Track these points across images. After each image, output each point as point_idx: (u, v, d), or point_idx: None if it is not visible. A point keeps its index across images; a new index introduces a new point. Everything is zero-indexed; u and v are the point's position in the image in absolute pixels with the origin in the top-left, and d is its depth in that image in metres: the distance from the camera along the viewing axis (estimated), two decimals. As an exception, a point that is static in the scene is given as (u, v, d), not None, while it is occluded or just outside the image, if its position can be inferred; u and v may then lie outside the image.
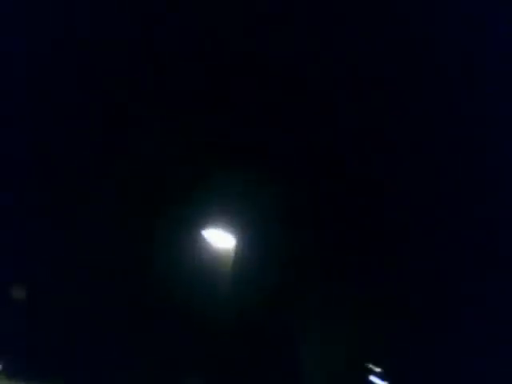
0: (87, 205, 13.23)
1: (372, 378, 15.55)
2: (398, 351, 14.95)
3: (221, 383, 12.71)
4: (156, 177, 13.82)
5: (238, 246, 13.07)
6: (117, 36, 12.51)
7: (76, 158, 13.37)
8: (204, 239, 12.85)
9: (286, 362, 13.88)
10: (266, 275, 13.88)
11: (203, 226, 12.79)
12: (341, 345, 14.44)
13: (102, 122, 13.52)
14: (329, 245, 14.61)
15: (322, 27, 12.09)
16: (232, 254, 13.09)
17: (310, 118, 13.63)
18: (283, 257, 13.88)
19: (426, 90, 12.62)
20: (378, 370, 15.46)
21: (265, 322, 13.80)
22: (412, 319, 15.06)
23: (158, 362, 12.84)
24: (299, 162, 13.98)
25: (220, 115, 13.57)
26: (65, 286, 12.77)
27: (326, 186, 14.13)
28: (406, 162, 13.68)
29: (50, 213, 13.08)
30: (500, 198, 13.29)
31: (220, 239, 12.96)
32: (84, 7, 12.16)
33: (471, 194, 13.78)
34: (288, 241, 13.85)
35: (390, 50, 12.10)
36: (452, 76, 12.32)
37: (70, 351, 12.21)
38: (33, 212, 12.77)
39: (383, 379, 15.60)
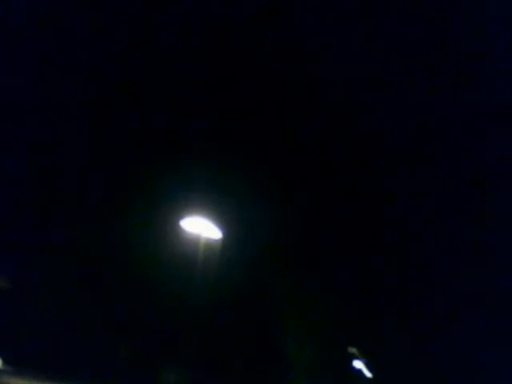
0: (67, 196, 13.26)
1: (355, 362, 15.98)
2: (380, 336, 15.33)
3: (210, 374, 12.99)
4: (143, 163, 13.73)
5: (224, 237, 13.10)
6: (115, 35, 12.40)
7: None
8: (189, 229, 12.78)
9: (273, 352, 14.18)
10: (251, 265, 14.03)
11: (188, 215, 12.70)
12: (324, 331, 14.76)
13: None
14: (312, 233, 14.81)
15: (321, 26, 12.02)
16: (218, 245, 13.16)
17: (296, 109, 13.60)
18: (267, 248, 14.01)
19: (425, 90, 12.67)
20: (360, 354, 15.88)
21: (247, 315, 14.03)
22: (395, 305, 15.39)
23: (139, 353, 13.06)
24: (286, 154, 13.99)
25: (212, 106, 13.49)
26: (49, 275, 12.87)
27: (312, 177, 14.19)
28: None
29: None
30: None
31: (206, 230, 12.92)
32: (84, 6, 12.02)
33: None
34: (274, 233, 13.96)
35: (389, 49, 12.09)
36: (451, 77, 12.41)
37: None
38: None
39: (366, 363, 16.04)
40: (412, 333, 15.39)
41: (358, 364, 16.47)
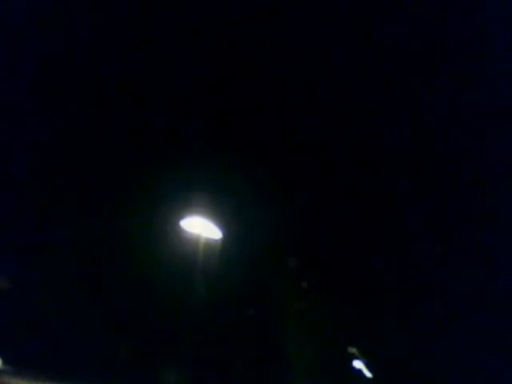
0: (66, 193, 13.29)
1: (355, 362, 15.98)
2: (380, 336, 15.32)
3: (210, 374, 12.99)
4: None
5: (224, 237, 13.10)
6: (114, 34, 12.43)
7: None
8: (189, 229, 12.79)
9: (273, 352, 14.18)
10: (251, 265, 14.04)
11: (188, 215, 12.71)
12: (324, 331, 14.76)
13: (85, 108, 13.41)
14: (312, 233, 14.82)
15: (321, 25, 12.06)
16: (218, 245, 13.16)
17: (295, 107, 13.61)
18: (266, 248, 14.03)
19: (425, 90, 12.69)
20: (360, 354, 15.88)
21: (247, 315, 14.04)
22: (395, 305, 15.38)
23: (139, 353, 13.07)
24: (286, 154, 14.00)
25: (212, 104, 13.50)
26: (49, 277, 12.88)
27: (312, 177, 14.20)
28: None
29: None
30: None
31: (206, 230, 12.91)
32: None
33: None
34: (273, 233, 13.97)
35: (389, 49, 12.13)
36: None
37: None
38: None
39: (366, 363, 16.04)
40: (412, 333, 15.39)
41: (358, 364, 16.48)
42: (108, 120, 13.35)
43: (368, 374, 16.79)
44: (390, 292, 15.43)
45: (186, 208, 12.60)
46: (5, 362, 11.50)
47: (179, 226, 12.66)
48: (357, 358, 16.22)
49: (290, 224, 14.24)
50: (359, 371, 16.57)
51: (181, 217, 12.58)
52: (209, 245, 12.97)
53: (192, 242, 12.89)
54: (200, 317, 12.98)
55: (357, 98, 13.10)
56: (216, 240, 12.95)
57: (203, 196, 12.71)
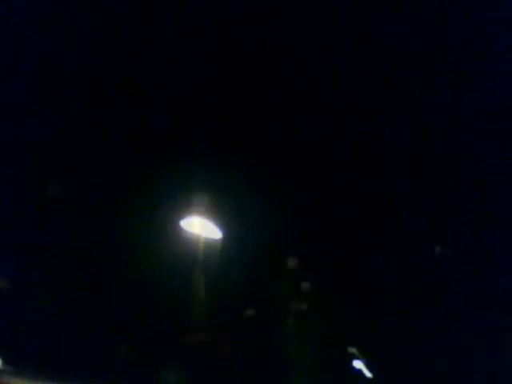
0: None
1: (355, 362, 15.96)
2: (380, 336, 15.32)
3: (210, 374, 13.00)
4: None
5: (224, 237, 13.12)
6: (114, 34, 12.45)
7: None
8: (189, 229, 12.82)
9: (273, 352, 14.19)
10: (251, 265, 14.04)
11: (188, 215, 12.74)
12: (324, 331, 14.77)
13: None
14: (312, 233, 14.82)
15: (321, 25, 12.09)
16: (218, 245, 13.18)
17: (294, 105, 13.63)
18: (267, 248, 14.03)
19: (425, 90, 12.72)
20: (360, 354, 15.86)
21: (247, 315, 14.04)
22: (395, 305, 15.39)
23: (139, 353, 13.08)
24: (286, 154, 14.01)
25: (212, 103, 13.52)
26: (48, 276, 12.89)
27: (312, 177, 14.21)
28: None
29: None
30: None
31: (206, 230, 12.95)
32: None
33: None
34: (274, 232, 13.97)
35: (389, 49, 12.16)
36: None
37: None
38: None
39: (366, 363, 16.02)
40: (412, 333, 15.38)
41: (358, 364, 16.47)
42: (108, 120, 13.36)
43: (368, 374, 16.77)
44: (390, 292, 15.42)
45: (185, 208, 12.64)
46: (5, 362, 11.49)
47: (179, 226, 12.69)
48: (357, 358, 16.21)
49: (290, 224, 14.24)
50: (359, 371, 16.55)
51: (181, 217, 12.61)
52: (209, 245, 13.00)
53: (192, 242, 12.92)
54: (200, 317, 13.00)
55: (357, 97, 13.10)
56: (216, 240, 12.98)
57: (203, 196, 12.74)
